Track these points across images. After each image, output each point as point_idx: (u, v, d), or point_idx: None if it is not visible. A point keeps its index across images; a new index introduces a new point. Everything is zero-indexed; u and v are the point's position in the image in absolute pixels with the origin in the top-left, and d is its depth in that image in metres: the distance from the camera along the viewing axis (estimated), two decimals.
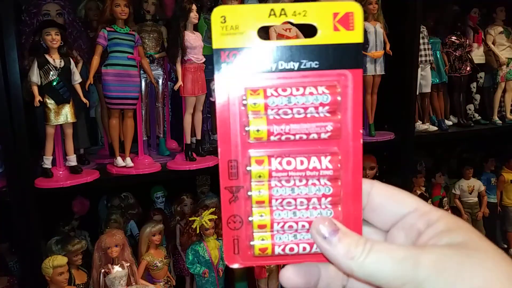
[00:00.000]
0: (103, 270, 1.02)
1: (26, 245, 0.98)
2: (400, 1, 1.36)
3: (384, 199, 0.26)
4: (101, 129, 1.30)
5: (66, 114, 0.99)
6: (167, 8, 1.23)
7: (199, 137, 1.18)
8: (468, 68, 1.62)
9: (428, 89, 1.53)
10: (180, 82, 1.10)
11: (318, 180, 0.25)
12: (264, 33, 1.29)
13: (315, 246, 0.25)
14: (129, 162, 1.08)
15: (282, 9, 0.25)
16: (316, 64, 0.25)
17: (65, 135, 1.02)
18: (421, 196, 1.63)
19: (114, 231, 1.06)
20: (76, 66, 1.04)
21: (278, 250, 0.26)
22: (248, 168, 0.25)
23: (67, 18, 1.10)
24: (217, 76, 0.25)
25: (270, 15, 0.25)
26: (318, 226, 0.24)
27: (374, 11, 1.34)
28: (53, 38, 0.97)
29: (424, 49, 1.49)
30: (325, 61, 0.25)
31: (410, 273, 0.21)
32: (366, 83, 1.38)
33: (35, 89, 0.96)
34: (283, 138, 0.25)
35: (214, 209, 1.18)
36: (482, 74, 1.74)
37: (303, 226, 0.26)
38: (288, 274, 0.26)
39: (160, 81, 1.22)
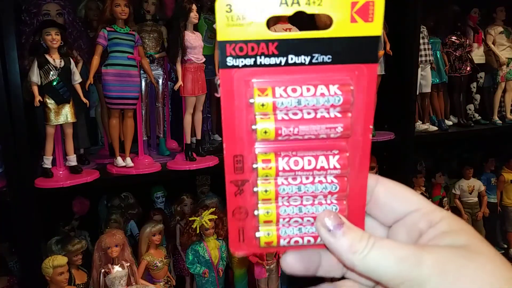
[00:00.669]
0: (103, 270, 1.02)
1: (26, 245, 0.98)
2: (400, 1, 1.36)
3: (388, 196, 0.26)
4: (101, 129, 1.30)
5: (66, 114, 0.99)
6: (167, 8, 1.23)
7: (199, 137, 1.18)
8: (468, 68, 1.62)
9: (428, 89, 1.53)
10: (180, 82, 1.10)
11: (325, 177, 0.25)
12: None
13: (319, 239, 0.25)
14: (129, 162, 1.08)
15: None
16: (329, 58, 0.23)
17: (65, 135, 1.02)
18: None
19: (114, 231, 1.06)
20: (76, 66, 1.04)
21: (283, 242, 0.26)
22: (254, 166, 0.25)
23: (67, 18, 1.10)
24: (222, 70, 0.23)
25: (281, 3, 0.22)
26: (323, 219, 0.24)
27: None
28: (53, 38, 0.97)
29: (424, 49, 1.49)
30: (339, 55, 0.23)
31: (412, 271, 0.21)
32: None
33: (35, 89, 0.96)
34: (291, 138, 0.24)
35: (214, 209, 1.18)
36: (482, 74, 1.74)
37: (308, 220, 0.26)
38: (289, 260, 0.27)
39: (160, 81, 1.21)
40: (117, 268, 1.03)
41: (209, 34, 1.25)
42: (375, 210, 0.27)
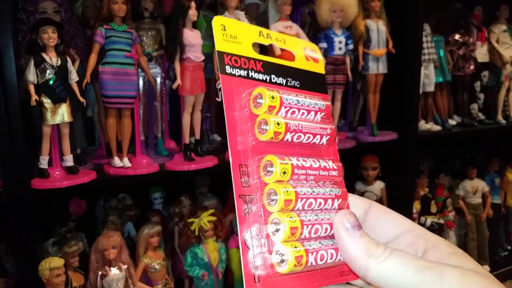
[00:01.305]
0: (100, 272, 1.01)
1: (22, 246, 0.97)
2: None
3: (381, 218, 0.27)
4: (98, 129, 1.28)
5: (62, 114, 0.98)
6: (166, 6, 1.21)
7: (198, 137, 1.17)
8: (471, 67, 1.60)
9: (431, 88, 1.51)
10: (178, 81, 1.08)
11: (329, 182, 0.27)
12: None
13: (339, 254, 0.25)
14: (126, 162, 1.07)
15: (268, 34, 0.29)
16: (297, 84, 0.29)
17: (62, 135, 1.00)
18: (425, 197, 1.61)
19: (111, 232, 1.04)
20: (73, 65, 1.03)
21: (311, 259, 0.24)
22: (269, 169, 0.25)
23: (64, 16, 1.08)
24: (223, 76, 0.26)
25: (259, 35, 0.28)
26: (343, 217, 0.24)
27: (377, 9, 1.32)
28: (50, 36, 0.95)
29: (427, 48, 1.47)
30: (303, 83, 0.29)
31: (432, 283, 0.21)
32: (368, 82, 1.36)
33: (32, 88, 0.95)
34: (295, 136, 0.26)
35: (213, 210, 1.16)
36: (486, 73, 1.72)
37: (326, 229, 0.25)
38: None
39: (158, 79, 1.20)
40: (114, 271, 1.01)
41: (208, 31, 1.23)
42: (368, 232, 0.26)
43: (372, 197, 1.48)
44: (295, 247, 0.23)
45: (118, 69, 1.04)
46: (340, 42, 1.25)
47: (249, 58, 0.27)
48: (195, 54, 1.09)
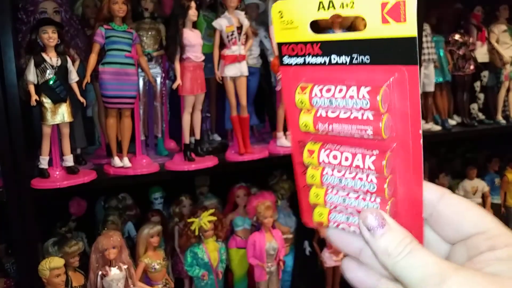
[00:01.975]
0: (100, 272, 1.01)
1: (23, 246, 0.97)
2: None
3: (453, 214, 0.26)
4: (98, 129, 1.28)
5: (62, 114, 0.98)
6: (166, 6, 1.21)
7: (198, 137, 1.17)
8: (471, 67, 1.60)
9: (431, 88, 1.51)
10: (178, 81, 1.08)
11: (365, 175, 0.26)
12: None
13: None
14: (126, 162, 1.07)
15: (330, 2, 0.24)
16: (367, 59, 0.24)
17: (62, 135, 1.00)
18: None
19: (112, 232, 1.04)
20: (73, 65, 1.03)
21: (332, 226, 0.28)
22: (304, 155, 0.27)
23: (64, 16, 1.08)
24: (282, 67, 0.27)
25: (319, 8, 0.25)
26: (365, 217, 0.25)
27: None
28: (50, 36, 0.95)
29: (427, 48, 1.47)
30: (376, 56, 0.24)
31: (435, 285, 0.22)
32: None
33: (32, 88, 0.95)
34: (329, 134, 0.26)
35: (213, 210, 1.16)
36: (485, 73, 1.72)
37: (351, 213, 0.27)
38: (333, 235, 0.28)
39: (158, 79, 1.20)
40: (114, 270, 1.01)
41: (208, 31, 1.23)
42: (437, 226, 0.27)
43: None
44: (320, 214, 0.28)
45: (118, 69, 1.04)
46: None
47: (306, 43, 0.26)
48: (195, 54, 1.09)
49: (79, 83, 1.02)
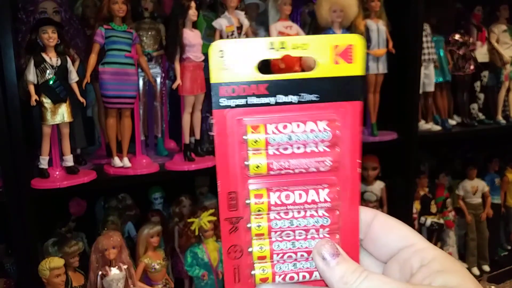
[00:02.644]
0: (100, 272, 1.01)
1: (22, 246, 0.97)
2: None
3: (384, 230, 0.27)
4: (98, 129, 1.28)
5: (62, 114, 0.98)
6: (166, 5, 1.21)
7: (198, 137, 1.17)
8: (471, 67, 1.59)
9: (431, 88, 1.51)
10: (178, 81, 1.08)
11: (316, 211, 0.26)
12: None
13: (314, 274, 0.26)
14: (126, 162, 1.07)
15: (282, 43, 0.25)
16: (316, 97, 0.25)
17: (62, 135, 1.00)
18: (424, 197, 1.61)
19: (111, 232, 1.04)
20: (73, 65, 1.03)
21: (278, 279, 0.26)
22: (247, 201, 0.26)
23: (64, 16, 1.08)
24: (215, 110, 0.25)
25: (270, 48, 0.25)
26: (320, 247, 0.25)
27: (377, 9, 1.32)
28: (50, 36, 0.95)
29: (427, 47, 1.47)
30: (325, 94, 0.25)
31: None
32: (368, 82, 1.36)
33: (32, 88, 0.94)
34: (282, 172, 0.26)
35: (213, 210, 1.16)
36: (486, 73, 1.72)
37: (302, 255, 0.26)
38: None
39: (158, 79, 1.20)
40: (114, 271, 1.01)
41: (208, 31, 1.23)
42: (371, 245, 0.28)
43: (372, 197, 1.48)
44: (263, 269, 0.26)
45: (118, 69, 1.04)
46: None
47: (250, 83, 0.25)
48: (195, 54, 1.09)
49: (79, 83, 1.02)
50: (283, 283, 0.26)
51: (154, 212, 1.30)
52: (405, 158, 1.43)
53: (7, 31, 0.90)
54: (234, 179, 0.26)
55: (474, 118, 1.68)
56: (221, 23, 1.11)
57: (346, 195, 0.26)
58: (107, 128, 1.08)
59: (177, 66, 1.08)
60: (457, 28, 1.60)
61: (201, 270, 1.15)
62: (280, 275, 0.26)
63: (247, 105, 0.25)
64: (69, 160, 1.01)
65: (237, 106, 0.25)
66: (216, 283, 1.16)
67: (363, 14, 1.31)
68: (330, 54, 0.25)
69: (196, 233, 1.14)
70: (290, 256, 0.26)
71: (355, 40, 0.25)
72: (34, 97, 0.94)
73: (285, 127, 0.25)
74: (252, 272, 0.26)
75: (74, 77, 1.01)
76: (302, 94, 0.25)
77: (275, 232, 0.26)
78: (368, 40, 1.32)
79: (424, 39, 1.43)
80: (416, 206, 1.60)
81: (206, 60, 1.14)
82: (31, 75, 0.94)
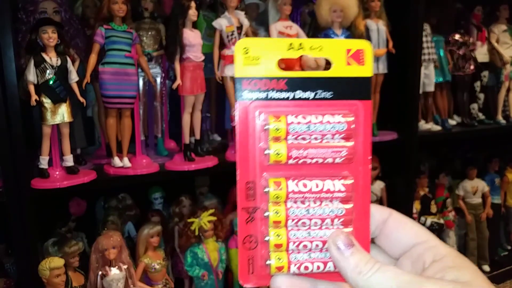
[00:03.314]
0: (100, 272, 1.01)
1: (22, 246, 0.97)
2: None
3: (398, 227, 0.29)
4: (98, 129, 1.28)
5: (62, 114, 0.98)
6: (166, 5, 1.21)
7: (198, 137, 1.17)
8: (471, 67, 1.60)
9: (431, 88, 1.51)
10: (178, 81, 1.08)
11: (331, 201, 0.27)
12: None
13: (328, 265, 0.27)
14: (126, 162, 1.07)
15: (300, 44, 0.27)
16: (330, 95, 0.28)
17: (62, 135, 1.00)
18: (424, 197, 1.61)
19: (111, 232, 1.04)
20: (73, 65, 1.03)
21: (293, 268, 0.27)
22: (265, 190, 0.27)
23: (64, 16, 1.08)
24: (239, 102, 0.27)
25: (289, 48, 0.27)
26: (335, 237, 0.26)
27: (377, 9, 1.32)
28: (50, 36, 0.95)
29: (427, 47, 1.47)
30: (339, 92, 0.28)
31: None
32: None
33: (32, 88, 0.94)
34: (300, 162, 0.27)
35: (213, 210, 1.16)
36: (486, 73, 1.72)
37: (317, 245, 0.27)
38: (279, 282, 0.27)
39: (158, 79, 1.20)
40: (114, 271, 1.01)
41: (208, 31, 1.23)
42: (385, 241, 0.29)
43: (372, 197, 1.48)
44: (279, 258, 0.27)
45: (118, 69, 1.04)
46: None
47: (271, 78, 0.27)
48: (195, 54, 1.09)
49: (79, 83, 1.02)
50: (298, 273, 0.27)
51: (154, 212, 1.30)
52: (405, 158, 1.43)
53: (7, 31, 0.90)
54: (253, 169, 0.27)
55: (474, 118, 1.68)
56: (221, 23, 1.11)
57: (358, 189, 0.28)
58: (107, 128, 1.08)
59: (177, 66, 1.08)
60: (457, 28, 1.60)
61: (201, 270, 1.15)
62: (295, 264, 0.27)
63: (267, 98, 0.27)
64: (69, 160, 1.01)
65: (258, 99, 0.27)
66: (216, 283, 1.16)
67: (363, 14, 1.31)
68: (344, 56, 0.27)
69: (196, 233, 1.14)
70: (305, 246, 0.27)
71: (365, 45, 0.28)
72: (34, 97, 0.94)
73: (304, 117, 0.27)
74: (267, 262, 0.27)
75: (74, 77, 1.01)
76: (318, 91, 0.27)
77: (292, 220, 0.27)
78: (368, 40, 1.32)
79: (424, 39, 1.43)
80: (416, 206, 1.60)
81: (206, 60, 1.13)
82: (31, 75, 0.94)
